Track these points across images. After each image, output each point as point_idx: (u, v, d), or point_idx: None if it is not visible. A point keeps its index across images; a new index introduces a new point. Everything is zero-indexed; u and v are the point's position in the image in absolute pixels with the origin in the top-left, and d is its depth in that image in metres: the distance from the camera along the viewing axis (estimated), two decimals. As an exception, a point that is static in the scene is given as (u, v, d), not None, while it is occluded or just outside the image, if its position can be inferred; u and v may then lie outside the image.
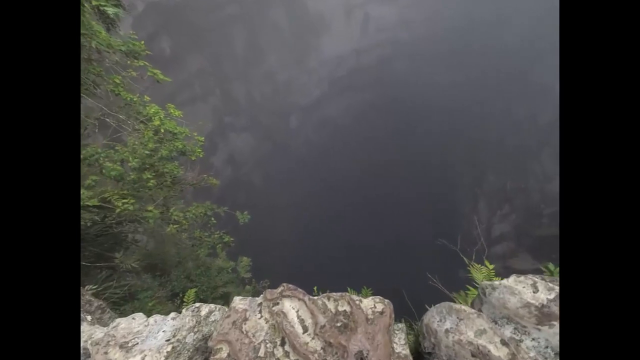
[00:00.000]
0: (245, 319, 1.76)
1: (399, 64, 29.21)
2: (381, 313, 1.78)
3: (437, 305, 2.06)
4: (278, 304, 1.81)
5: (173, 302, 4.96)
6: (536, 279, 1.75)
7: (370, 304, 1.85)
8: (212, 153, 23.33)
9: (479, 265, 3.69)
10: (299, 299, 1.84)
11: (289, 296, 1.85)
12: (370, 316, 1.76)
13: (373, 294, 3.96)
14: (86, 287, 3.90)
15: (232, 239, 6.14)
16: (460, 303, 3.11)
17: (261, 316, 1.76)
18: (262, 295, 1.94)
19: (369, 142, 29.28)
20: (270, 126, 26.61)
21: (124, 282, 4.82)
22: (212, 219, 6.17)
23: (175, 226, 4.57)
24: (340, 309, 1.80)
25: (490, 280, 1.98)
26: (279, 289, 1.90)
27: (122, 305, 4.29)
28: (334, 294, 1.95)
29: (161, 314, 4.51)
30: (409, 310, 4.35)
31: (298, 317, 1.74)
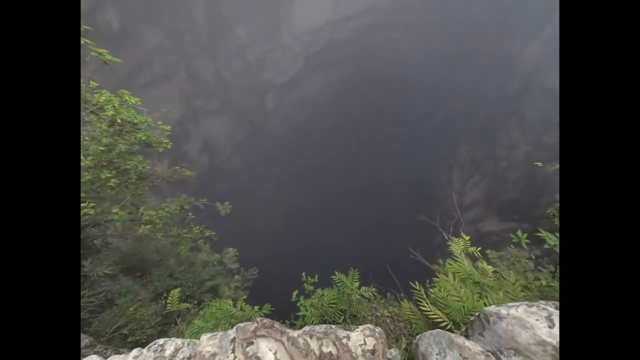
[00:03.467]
0: (215, 366, 1.47)
1: (374, 35, 28.15)
2: (373, 353, 1.59)
3: (434, 332, 1.86)
4: (252, 343, 1.60)
5: (157, 303, 4.78)
6: (551, 310, 1.51)
7: (360, 338, 1.65)
8: (185, 141, 21.72)
9: (457, 239, 3.92)
10: (276, 340, 1.62)
11: (264, 336, 1.63)
12: (360, 358, 1.57)
13: (360, 275, 4.10)
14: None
15: (213, 232, 5.91)
16: (443, 276, 3.31)
17: (235, 357, 1.54)
18: (235, 327, 1.72)
19: (348, 120, 28.98)
20: (245, 108, 25.08)
21: (99, 288, 4.51)
22: (190, 213, 5.83)
23: (147, 227, 4.23)
24: (325, 350, 1.59)
25: (497, 305, 1.75)
26: (253, 326, 1.67)
27: (100, 313, 4.05)
28: (317, 328, 1.73)
29: (145, 317, 4.34)
30: (393, 283, 4.60)
31: (276, 361, 1.51)
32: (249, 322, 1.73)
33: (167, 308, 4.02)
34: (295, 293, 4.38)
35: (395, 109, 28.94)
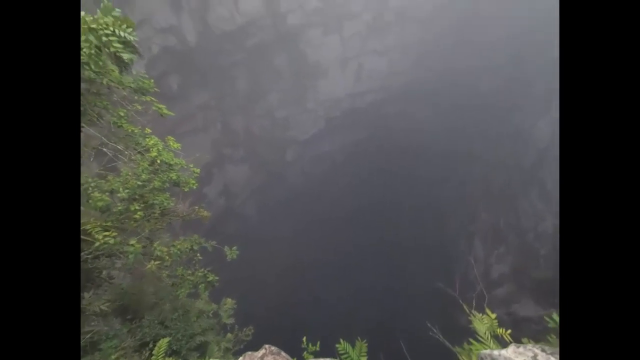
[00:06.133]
0: (220, 396, 1.46)
1: (389, 107, 31.67)
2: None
3: None
4: (259, 369, 1.46)
5: (140, 354, 4.32)
6: (537, 351, 1.67)
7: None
8: (207, 183, 23.15)
9: (481, 315, 3.44)
10: None
11: (271, 364, 1.49)
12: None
13: (368, 347, 3.57)
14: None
15: (216, 278, 5.69)
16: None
17: (240, 385, 1.46)
18: (243, 355, 1.67)
19: (363, 179, 29.91)
20: (268, 158, 27.18)
21: (88, 327, 4.25)
22: (198, 254, 5.80)
23: (156, 262, 4.24)
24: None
25: (489, 347, 1.85)
26: (260, 353, 1.66)
27: (83, 357, 3.71)
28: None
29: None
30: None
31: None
32: (257, 351, 1.60)
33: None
34: (292, 363, 3.79)
35: (409, 172, 29.81)
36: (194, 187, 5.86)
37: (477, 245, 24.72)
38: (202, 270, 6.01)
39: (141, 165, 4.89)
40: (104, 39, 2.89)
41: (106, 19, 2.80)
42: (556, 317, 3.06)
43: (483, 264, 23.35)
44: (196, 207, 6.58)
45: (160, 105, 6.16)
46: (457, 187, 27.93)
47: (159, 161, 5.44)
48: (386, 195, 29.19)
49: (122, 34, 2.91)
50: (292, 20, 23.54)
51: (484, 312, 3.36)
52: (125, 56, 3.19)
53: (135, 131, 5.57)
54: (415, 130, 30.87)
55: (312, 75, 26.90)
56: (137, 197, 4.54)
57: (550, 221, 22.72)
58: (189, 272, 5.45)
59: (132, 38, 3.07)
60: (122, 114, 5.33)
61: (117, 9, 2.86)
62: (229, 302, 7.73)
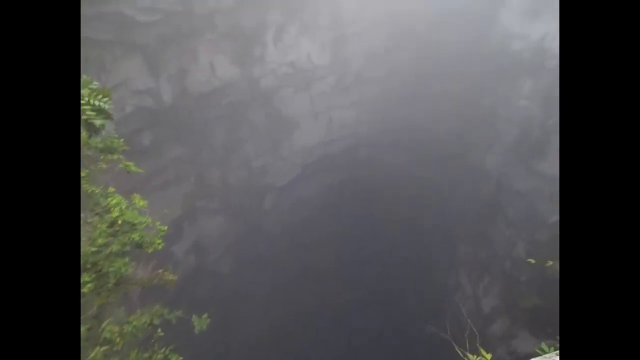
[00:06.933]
0: None
1: (361, 151, 34.40)
2: None
3: None
4: None
5: None
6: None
7: None
8: (175, 242, 21.11)
9: (475, 357, 3.22)
10: None
11: None
12: None
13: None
14: None
15: (181, 358, 4.72)
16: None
17: None
18: None
19: (342, 223, 29.96)
20: (244, 207, 26.35)
21: None
22: (159, 330, 4.89)
23: (103, 348, 3.45)
24: None
25: None
26: None
27: None
28: None
29: None
30: None
31: None
32: None
33: None
34: None
35: (386, 214, 30.84)
36: (160, 247, 5.33)
37: (464, 281, 24.54)
38: (164, 350, 4.99)
39: (98, 228, 4.42)
40: (76, 106, 2.97)
41: (83, 91, 2.93)
42: (545, 347, 3.00)
43: (474, 300, 22.78)
44: (160, 271, 5.87)
45: (128, 163, 5.99)
46: (434, 226, 29.07)
47: (120, 222, 4.99)
48: (365, 237, 29.12)
49: (96, 103, 3.03)
50: (265, 83, 26.33)
51: (479, 354, 3.17)
52: (98, 122, 3.24)
53: (96, 191, 5.21)
54: (387, 175, 33.25)
55: (286, 127, 28.96)
56: (88, 265, 3.96)
57: (521, 246, 23.91)
58: (146, 355, 4.47)
59: (106, 106, 3.19)
60: (83, 174, 5.05)
61: (94, 82, 3.03)
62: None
